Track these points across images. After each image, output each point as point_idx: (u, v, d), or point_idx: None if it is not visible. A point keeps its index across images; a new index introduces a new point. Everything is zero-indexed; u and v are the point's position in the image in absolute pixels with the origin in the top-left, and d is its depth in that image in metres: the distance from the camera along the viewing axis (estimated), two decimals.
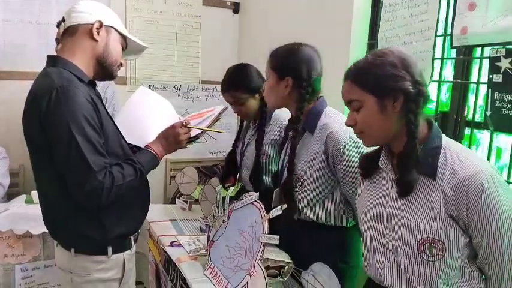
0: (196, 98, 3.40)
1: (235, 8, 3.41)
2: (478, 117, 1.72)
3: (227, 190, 2.16)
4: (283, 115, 1.90)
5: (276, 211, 1.34)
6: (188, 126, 1.54)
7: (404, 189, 1.07)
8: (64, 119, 1.24)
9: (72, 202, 1.33)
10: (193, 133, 1.59)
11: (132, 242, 1.51)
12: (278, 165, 1.73)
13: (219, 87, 3.37)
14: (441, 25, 1.84)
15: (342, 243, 1.55)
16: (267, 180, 1.95)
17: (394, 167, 1.14)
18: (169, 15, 3.19)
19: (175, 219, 2.13)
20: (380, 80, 1.06)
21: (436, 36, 1.82)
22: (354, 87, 1.09)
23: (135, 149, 1.56)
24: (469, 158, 1.03)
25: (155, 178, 3.30)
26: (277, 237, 1.32)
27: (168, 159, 3.31)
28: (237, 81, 1.93)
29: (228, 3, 3.39)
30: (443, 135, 1.11)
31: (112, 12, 1.48)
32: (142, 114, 1.71)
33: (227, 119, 3.46)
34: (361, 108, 1.09)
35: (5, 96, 2.74)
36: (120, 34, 1.47)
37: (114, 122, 1.49)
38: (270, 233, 1.32)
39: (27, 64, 2.69)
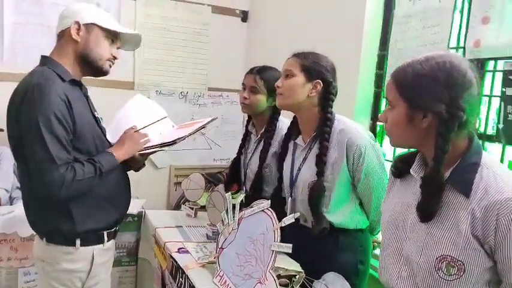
0: (202, 104, 3.39)
1: (244, 17, 3.43)
2: (490, 130, 1.72)
3: (233, 198, 2.13)
4: (285, 128, 1.84)
5: (288, 219, 1.33)
6: (136, 130, 1.66)
7: (425, 215, 1.04)
8: (34, 114, 1.32)
9: None
10: (168, 138, 1.66)
11: (105, 238, 1.55)
12: (282, 176, 1.74)
13: (225, 94, 3.45)
14: (453, 38, 1.84)
15: (360, 245, 1.61)
16: (270, 191, 1.91)
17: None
18: (178, 22, 3.19)
19: (181, 226, 2.11)
20: (416, 92, 1.02)
21: (448, 48, 1.82)
22: (393, 88, 1.07)
23: None
24: (504, 179, 0.98)
25: (158, 184, 3.28)
26: (290, 245, 1.30)
27: (172, 166, 3.30)
28: (267, 73, 1.91)
29: (237, 12, 3.41)
30: (484, 152, 1.05)
31: (95, 8, 1.54)
32: (134, 121, 1.74)
33: (231, 126, 3.47)
34: (394, 108, 1.07)
35: None
36: (105, 29, 1.49)
37: (98, 123, 1.57)
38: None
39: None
